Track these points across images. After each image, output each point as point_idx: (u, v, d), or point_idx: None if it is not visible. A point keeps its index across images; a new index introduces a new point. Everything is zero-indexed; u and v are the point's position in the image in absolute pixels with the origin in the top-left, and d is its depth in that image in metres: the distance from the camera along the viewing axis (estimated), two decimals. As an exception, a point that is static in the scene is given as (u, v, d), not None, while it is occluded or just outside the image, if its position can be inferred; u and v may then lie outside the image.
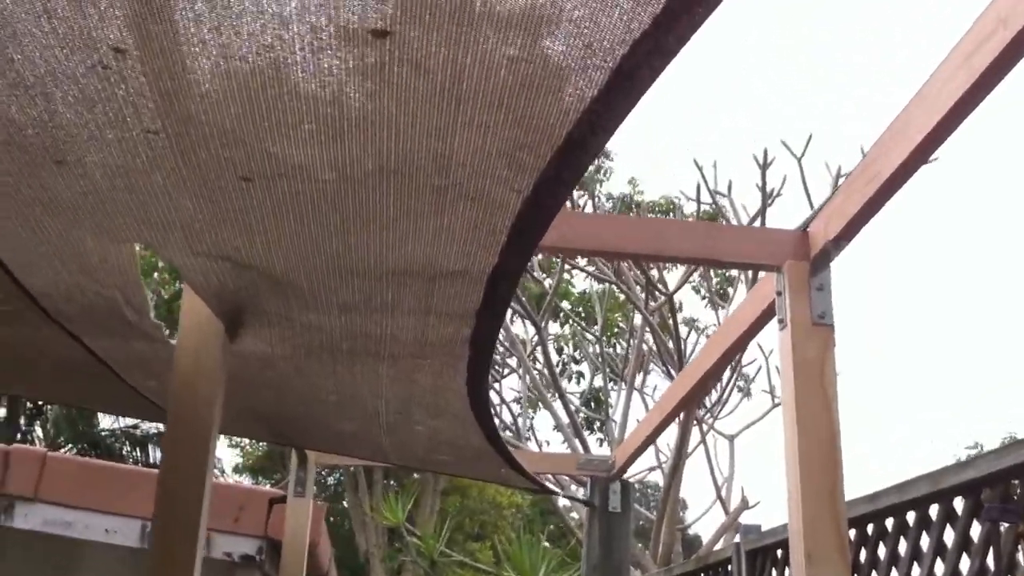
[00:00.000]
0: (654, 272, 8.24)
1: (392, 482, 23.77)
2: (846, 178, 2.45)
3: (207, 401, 2.32)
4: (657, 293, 8.47)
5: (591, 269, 8.73)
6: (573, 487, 9.19)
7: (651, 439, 4.31)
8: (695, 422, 8.81)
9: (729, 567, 4.26)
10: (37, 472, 5.05)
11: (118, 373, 2.86)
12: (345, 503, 23.63)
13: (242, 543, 5.04)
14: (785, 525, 3.66)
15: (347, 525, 23.65)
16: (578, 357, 15.68)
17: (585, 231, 2.56)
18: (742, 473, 10.93)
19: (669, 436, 14.03)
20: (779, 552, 3.79)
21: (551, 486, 4.88)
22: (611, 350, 13.37)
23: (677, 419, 13.37)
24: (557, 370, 9.99)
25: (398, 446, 3.83)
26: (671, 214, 11.18)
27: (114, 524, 5.00)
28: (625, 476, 4.71)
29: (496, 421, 3.86)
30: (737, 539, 4.11)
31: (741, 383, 11.59)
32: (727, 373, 10.55)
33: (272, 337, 2.55)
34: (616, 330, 13.69)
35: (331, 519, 25.45)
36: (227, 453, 24.33)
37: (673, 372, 8.64)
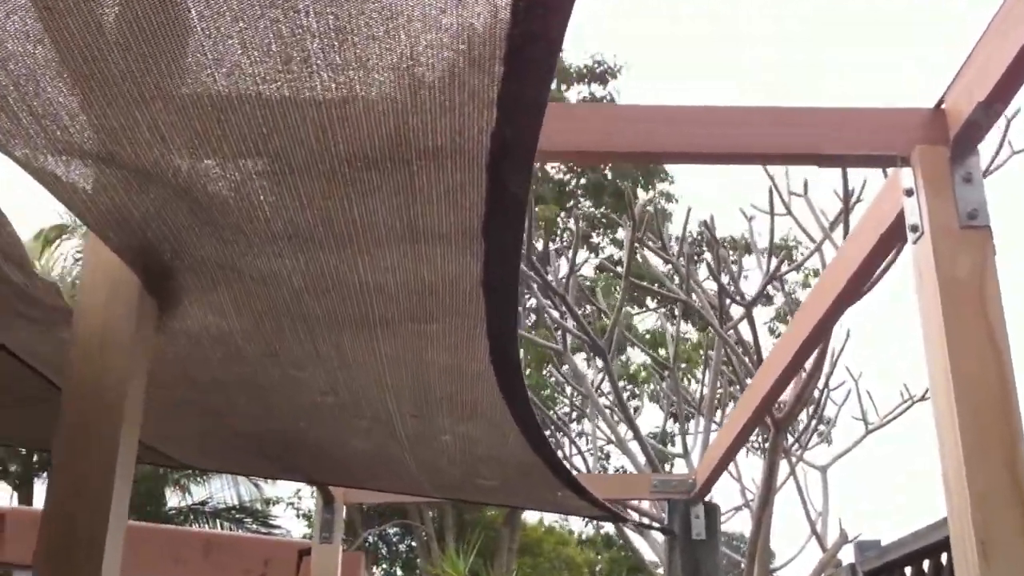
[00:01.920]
0: (725, 279, 7.50)
1: (466, 544, 23.01)
2: (988, 27, 1.75)
3: (116, 387, 1.65)
4: (734, 304, 7.72)
5: (654, 304, 8.00)
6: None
7: (739, 442, 3.57)
8: (782, 454, 7.98)
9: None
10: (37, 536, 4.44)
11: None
12: (419, 571, 22.84)
13: (269, 602, 4.38)
14: (913, 535, 2.91)
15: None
16: (639, 392, 14.87)
17: (614, 128, 1.88)
18: (837, 507, 9.97)
19: (754, 471, 13.12)
20: (908, 570, 3.03)
21: (621, 514, 4.17)
22: (685, 383, 12.56)
23: (762, 448, 12.47)
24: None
25: (429, 469, 3.14)
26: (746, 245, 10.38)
27: (124, 588, 4.36)
28: (709, 497, 3.97)
29: (547, 434, 3.18)
30: (851, 559, 3.34)
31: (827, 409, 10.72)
32: (816, 394, 9.70)
33: (221, 302, 1.89)
34: (686, 365, 12.89)
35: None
36: (294, 525, 23.69)
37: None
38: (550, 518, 25.55)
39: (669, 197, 21.03)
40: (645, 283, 8.45)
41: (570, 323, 7.58)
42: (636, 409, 12.49)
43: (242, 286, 1.83)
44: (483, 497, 3.52)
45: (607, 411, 8.47)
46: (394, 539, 24.53)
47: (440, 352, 2.13)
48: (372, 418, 2.62)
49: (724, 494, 15.80)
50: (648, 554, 9.56)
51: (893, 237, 2.02)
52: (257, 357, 2.15)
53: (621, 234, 21.77)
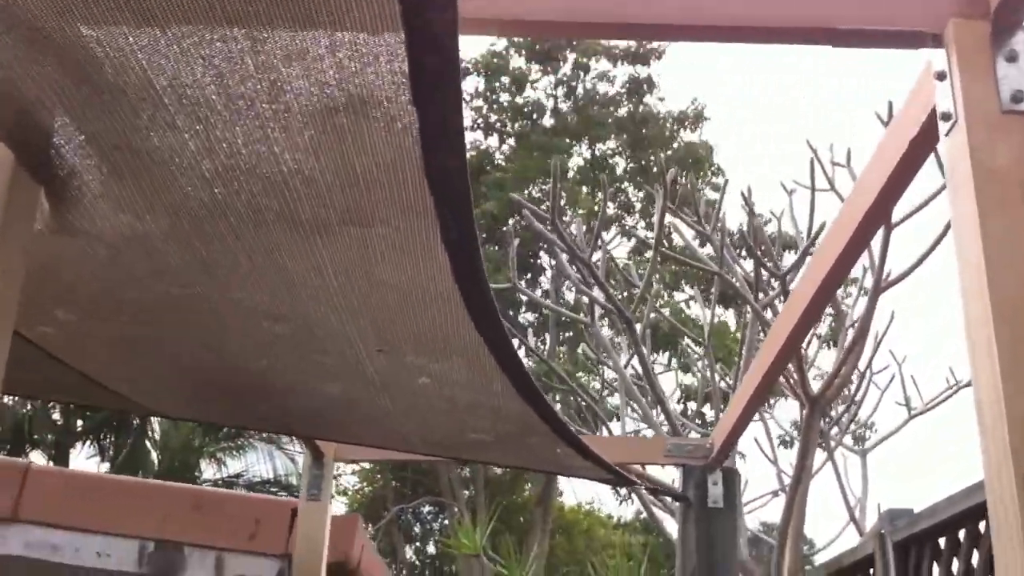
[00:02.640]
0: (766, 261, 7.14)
1: (503, 523, 22.75)
2: None
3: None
4: (771, 281, 7.37)
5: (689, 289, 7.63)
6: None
7: (756, 401, 3.26)
8: (819, 437, 7.61)
9: (871, 569, 3.19)
10: (17, 488, 4.24)
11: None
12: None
13: (259, 564, 4.13)
14: (947, 500, 2.58)
15: (454, 572, 22.70)
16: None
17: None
18: (876, 492, 9.59)
19: (790, 455, 12.71)
20: (942, 541, 2.71)
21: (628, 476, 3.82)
22: (719, 365, 12.17)
23: (798, 431, 12.06)
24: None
25: (416, 421, 2.87)
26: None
27: (108, 546, 4.15)
28: (727, 463, 3.67)
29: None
30: (881, 530, 3.03)
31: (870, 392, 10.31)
32: (856, 378, 9.32)
33: (129, 196, 1.63)
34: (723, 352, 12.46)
35: (438, 563, 24.49)
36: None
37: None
38: (584, 496, 25.23)
39: (716, 188, 20.58)
40: (678, 255, 8.10)
41: (597, 293, 7.27)
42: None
43: (145, 173, 1.56)
44: (479, 455, 3.25)
45: (635, 388, 8.15)
46: (428, 517, 24.38)
47: (393, 268, 1.85)
48: (336, 354, 2.36)
49: (761, 479, 15.37)
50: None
51: (926, 141, 1.71)
52: (187, 270, 1.88)
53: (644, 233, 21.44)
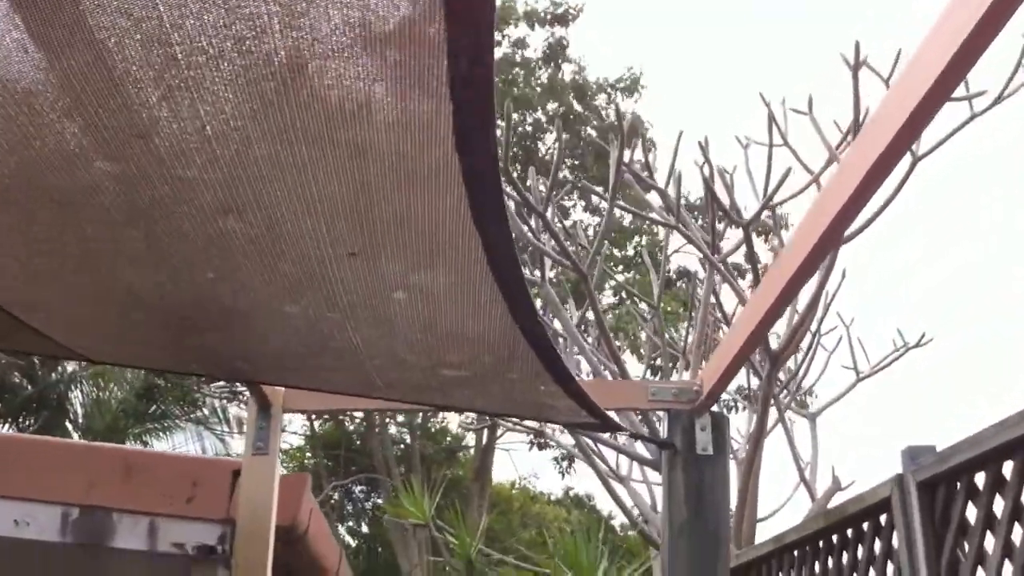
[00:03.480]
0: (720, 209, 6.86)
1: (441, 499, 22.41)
2: None
3: None
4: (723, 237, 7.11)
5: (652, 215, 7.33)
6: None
7: (753, 341, 2.95)
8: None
9: (882, 517, 2.91)
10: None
11: None
12: (385, 524, 22.25)
13: (198, 530, 3.74)
14: (999, 425, 2.28)
15: (389, 552, 22.31)
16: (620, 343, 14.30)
17: None
18: (826, 457, 9.44)
19: (737, 421, 12.55)
20: (980, 478, 2.43)
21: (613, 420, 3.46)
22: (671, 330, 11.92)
23: (750, 398, 11.90)
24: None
25: (383, 354, 2.50)
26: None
27: (27, 512, 3.72)
28: (717, 407, 3.36)
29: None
30: (899, 470, 2.74)
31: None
32: (807, 340, 9.13)
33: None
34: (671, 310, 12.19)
35: (372, 543, 24.04)
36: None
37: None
38: (520, 474, 25.01)
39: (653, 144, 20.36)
40: (632, 208, 7.80)
41: (548, 247, 6.94)
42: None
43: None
44: (452, 397, 2.89)
45: (588, 347, 7.85)
46: (360, 495, 23.91)
47: (377, 128, 1.49)
48: (298, 261, 1.98)
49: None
50: (616, 510, 8.99)
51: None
52: (117, 133, 1.49)
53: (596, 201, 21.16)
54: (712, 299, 8.29)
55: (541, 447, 21.72)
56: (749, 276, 7.32)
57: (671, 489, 3.31)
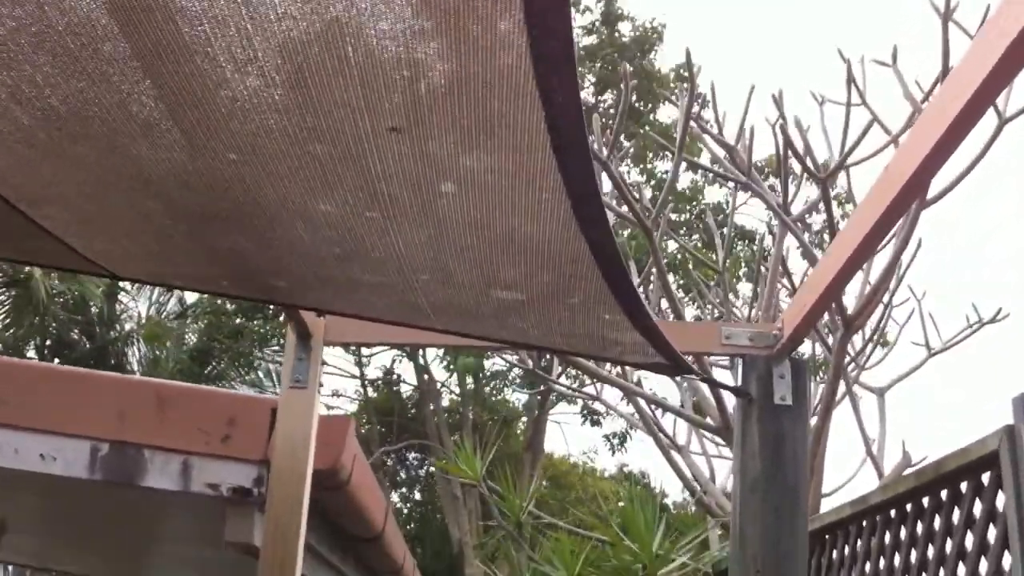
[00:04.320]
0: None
1: (493, 466, 22.24)
2: None
3: None
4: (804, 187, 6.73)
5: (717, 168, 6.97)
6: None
7: (841, 280, 2.63)
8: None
9: (984, 475, 2.58)
10: None
11: None
12: (437, 493, 22.15)
13: (233, 471, 3.51)
14: None
15: (440, 518, 22.21)
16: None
17: None
18: (894, 433, 9.04)
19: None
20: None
21: (686, 363, 3.12)
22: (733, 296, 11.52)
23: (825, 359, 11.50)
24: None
25: (430, 268, 2.22)
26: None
27: (53, 447, 3.52)
28: (799, 351, 3.05)
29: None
30: (1011, 420, 2.41)
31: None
32: (878, 313, 8.72)
33: None
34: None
35: (424, 509, 23.96)
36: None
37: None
38: (571, 450, 24.74)
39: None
40: (702, 164, 7.45)
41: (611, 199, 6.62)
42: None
43: None
44: (504, 328, 2.60)
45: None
46: (413, 463, 23.85)
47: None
48: (334, 141, 1.71)
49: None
50: (672, 483, 8.68)
51: None
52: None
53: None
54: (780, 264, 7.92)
55: (594, 423, 21.46)
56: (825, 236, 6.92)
57: (745, 441, 3.01)
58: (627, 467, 25.90)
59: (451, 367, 19.99)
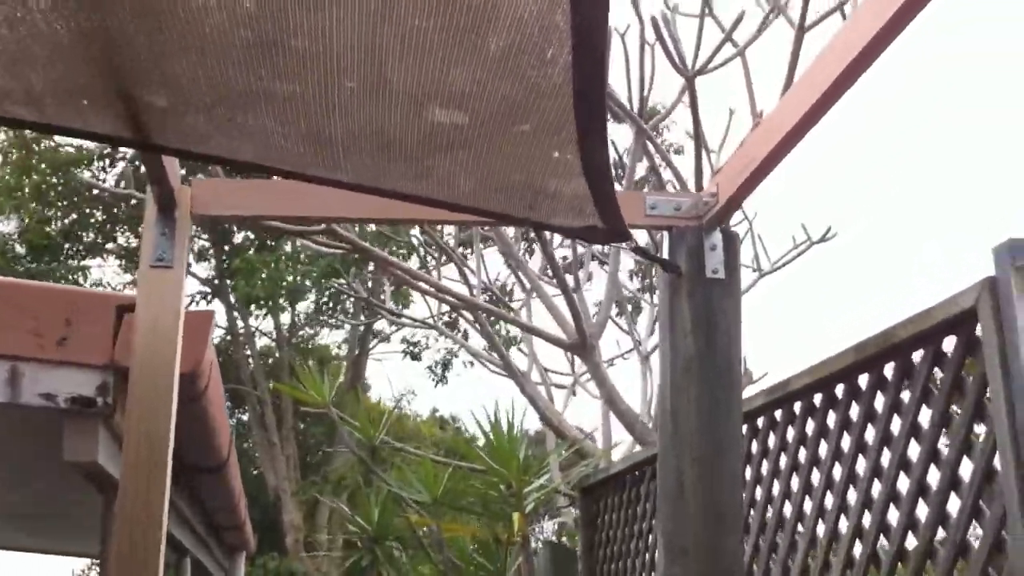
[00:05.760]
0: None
1: (303, 424, 21.58)
2: None
3: None
4: None
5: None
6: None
7: (800, 130, 2.36)
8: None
9: (946, 341, 2.38)
10: None
11: None
12: (251, 441, 21.36)
13: (73, 378, 2.98)
14: None
15: (255, 466, 21.45)
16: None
17: None
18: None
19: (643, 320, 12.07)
20: None
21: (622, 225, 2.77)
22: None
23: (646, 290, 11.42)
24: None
25: (357, 58, 1.76)
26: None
27: None
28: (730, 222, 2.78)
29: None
30: (992, 270, 2.20)
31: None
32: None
33: None
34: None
35: (239, 459, 23.01)
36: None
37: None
38: (398, 391, 24.37)
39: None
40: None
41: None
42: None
43: None
44: (424, 181, 2.20)
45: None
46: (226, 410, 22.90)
47: None
48: None
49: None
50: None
51: None
52: None
53: None
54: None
55: (415, 356, 21.10)
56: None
57: (674, 319, 2.72)
58: (438, 412, 25.75)
59: (264, 306, 19.01)
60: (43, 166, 17.54)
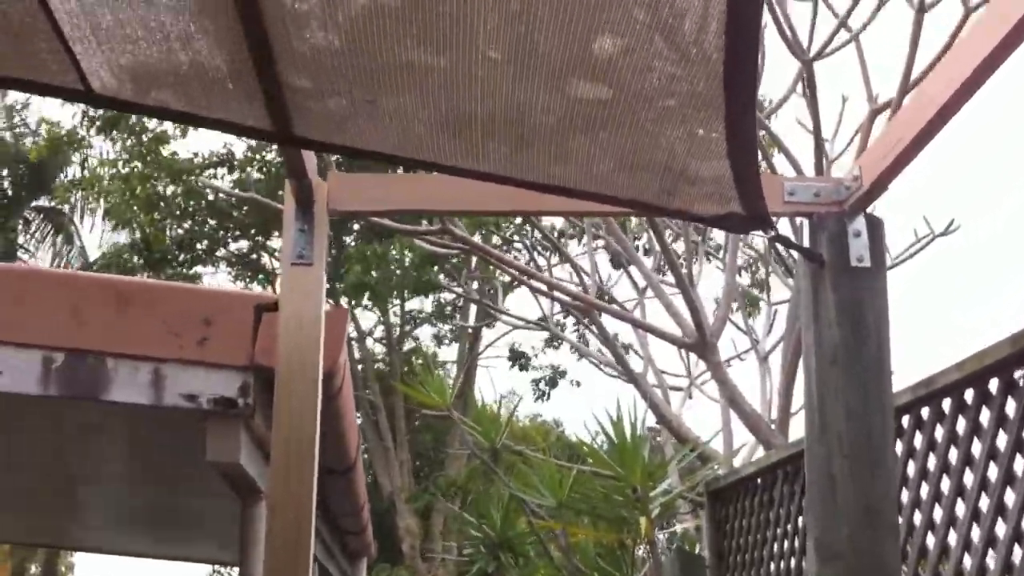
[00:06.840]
0: None
1: (418, 422, 21.70)
2: None
3: None
4: None
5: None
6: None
7: (950, 108, 2.26)
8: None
9: None
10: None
11: None
12: (368, 443, 21.59)
13: (214, 379, 3.02)
14: None
15: (369, 469, 21.69)
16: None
17: None
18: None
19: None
20: None
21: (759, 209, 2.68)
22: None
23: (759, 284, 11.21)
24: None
25: (505, 36, 1.72)
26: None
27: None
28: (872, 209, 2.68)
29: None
30: None
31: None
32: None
33: None
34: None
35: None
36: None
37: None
38: (495, 395, 24.44)
39: None
40: None
41: None
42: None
43: None
44: (559, 165, 2.15)
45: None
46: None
47: None
48: None
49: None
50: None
51: None
52: None
53: None
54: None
55: (522, 367, 21.10)
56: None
57: (818, 311, 2.62)
58: (540, 418, 25.59)
59: (375, 296, 18.66)
60: (162, 174, 17.98)
